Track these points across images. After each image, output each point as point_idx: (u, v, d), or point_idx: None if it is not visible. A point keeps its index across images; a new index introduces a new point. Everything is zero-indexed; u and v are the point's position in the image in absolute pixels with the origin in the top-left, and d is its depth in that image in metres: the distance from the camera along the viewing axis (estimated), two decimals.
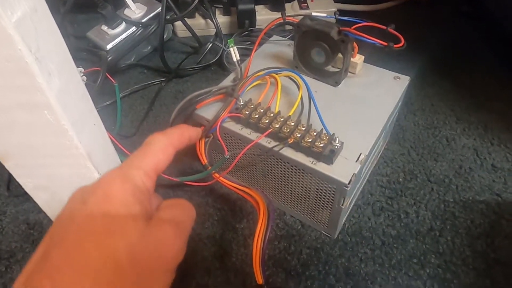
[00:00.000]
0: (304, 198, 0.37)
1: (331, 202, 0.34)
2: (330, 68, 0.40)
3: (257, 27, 0.64)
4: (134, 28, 0.58)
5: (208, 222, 0.40)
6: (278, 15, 0.65)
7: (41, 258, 0.19)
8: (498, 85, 0.55)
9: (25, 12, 0.22)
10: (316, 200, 0.35)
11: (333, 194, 0.33)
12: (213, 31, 0.64)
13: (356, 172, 0.31)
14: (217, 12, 0.66)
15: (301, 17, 0.39)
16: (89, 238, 0.19)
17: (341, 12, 0.67)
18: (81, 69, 0.53)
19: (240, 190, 0.36)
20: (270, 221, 0.32)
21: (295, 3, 0.67)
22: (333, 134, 0.32)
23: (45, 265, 0.18)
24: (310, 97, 0.35)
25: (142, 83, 0.57)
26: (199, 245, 0.38)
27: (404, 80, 0.40)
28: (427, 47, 0.62)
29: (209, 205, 0.42)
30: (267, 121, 0.34)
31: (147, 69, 0.60)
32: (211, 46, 0.61)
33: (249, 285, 0.35)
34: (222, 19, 0.65)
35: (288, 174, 0.35)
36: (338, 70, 0.39)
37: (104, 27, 0.58)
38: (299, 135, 0.32)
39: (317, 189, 0.34)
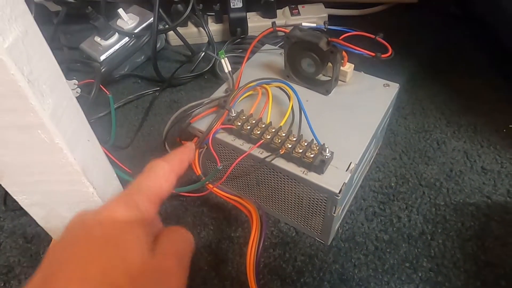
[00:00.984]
0: (297, 206, 0.37)
1: (323, 211, 0.35)
2: (321, 77, 0.41)
3: (249, 34, 0.65)
4: (127, 39, 0.58)
5: (203, 231, 0.41)
6: (270, 21, 0.66)
7: (42, 283, 0.18)
8: (487, 87, 0.56)
9: (16, 36, 0.23)
10: (308, 208, 0.36)
11: (325, 202, 0.34)
12: (206, 39, 0.64)
13: (346, 181, 0.32)
14: (210, 20, 0.67)
15: (292, 26, 0.39)
16: (91, 264, 0.19)
17: (332, 17, 0.68)
18: (75, 81, 0.53)
19: (233, 200, 0.36)
20: (263, 231, 0.33)
21: (287, 10, 0.67)
22: (323, 144, 0.33)
23: None
24: (301, 108, 0.36)
25: (136, 93, 0.57)
26: (195, 255, 0.38)
27: (394, 88, 0.41)
28: (417, 50, 0.63)
29: (205, 214, 0.42)
30: (258, 132, 0.35)
31: (141, 79, 0.61)
32: (204, 54, 0.62)
33: None
34: (214, 27, 0.66)
35: (280, 183, 0.36)
36: (329, 78, 0.40)
37: (97, 38, 0.58)
38: (290, 146, 0.33)
39: (309, 197, 0.35)
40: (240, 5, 0.62)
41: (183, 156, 0.29)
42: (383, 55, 0.34)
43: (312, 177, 0.32)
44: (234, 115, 0.37)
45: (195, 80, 0.60)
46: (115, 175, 0.38)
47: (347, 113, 0.38)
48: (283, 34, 0.40)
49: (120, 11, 0.59)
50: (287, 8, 0.67)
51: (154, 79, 0.59)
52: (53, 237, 0.39)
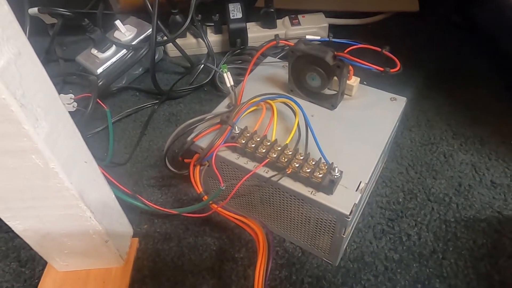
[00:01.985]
0: (304, 226, 0.36)
1: (332, 231, 0.33)
2: (326, 91, 0.40)
3: (249, 44, 0.64)
4: (124, 51, 0.57)
5: (206, 252, 0.39)
6: (270, 32, 0.66)
7: None
8: (491, 97, 0.55)
9: (9, 59, 0.21)
10: (316, 228, 0.35)
11: (334, 223, 0.32)
12: (205, 50, 0.63)
13: (356, 202, 0.30)
14: (209, 31, 0.66)
15: (296, 39, 0.38)
16: None
17: (333, 27, 0.67)
18: (71, 95, 0.52)
19: (238, 220, 0.35)
20: (270, 253, 0.32)
21: (287, 20, 0.66)
22: (332, 163, 0.31)
23: None
24: (307, 125, 0.35)
25: (135, 107, 0.56)
26: (198, 278, 0.37)
27: (401, 102, 0.40)
28: (420, 60, 0.62)
29: (207, 234, 0.41)
30: (264, 150, 0.33)
31: (139, 91, 0.59)
32: (203, 66, 0.61)
33: None
34: (213, 38, 0.65)
35: (287, 203, 0.35)
36: (334, 92, 0.39)
37: (94, 51, 0.57)
38: (297, 165, 0.32)
39: (317, 218, 0.33)
40: (240, 15, 0.61)
41: None
42: (392, 70, 0.33)
43: (321, 197, 0.31)
44: (238, 132, 0.35)
45: (194, 92, 0.59)
46: (113, 196, 0.36)
47: (354, 129, 0.37)
48: (283, 45, 0.39)
49: (117, 22, 0.57)
50: (287, 18, 0.67)
51: (152, 91, 0.58)
52: (48, 262, 0.37)
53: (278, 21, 0.66)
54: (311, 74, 0.38)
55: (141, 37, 0.58)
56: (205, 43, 0.61)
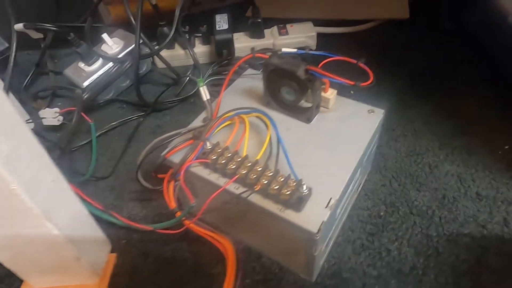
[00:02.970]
0: (278, 242, 0.35)
1: (304, 249, 0.33)
2: (303, 103, 0.39)
3: (236, 55, 0.64)
4: (110, 64, 0.57)
5: (182, 268, 0.39)
6: (258, 42, 0.66)
7: None
8: (481, 106, 0.54)
9: None
10: (290, 245, 0.34)
11: (304, 241, 0.32)
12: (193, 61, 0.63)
13: (325, 220, 0.30)
14: (197, 42, 0.66)
15: (271, 52, 0.38)
16: None
17: (322, 35, 0.67)
18: (57, 109, 0.53)
19: (209, 236, 0.35)
20: (240, 269, 0.31)
21: (275, 29, 0.66)
22: (301, 180, 0.31)
23: None
24: (278, 140, 0.34)
25: (120, 119, 0.56)
26: None
27: (378, 114, 0.39)
28: (409, 68, 0.61)
29: (184, 249, 0.40)
30: (234, 166, 0.33)
31: (126, 103, 0.60)
32: (190, 78, 0.61)
33: None
34: (201, 49, 0.65)
35: (259, 219, 0.34)
36: (311, 105, 0.38)
37: (81, 64, 0.57)
38: (265, 182, 0.31)
39: (289, 234, 0.33)
40: (225, 26, 0.61)
41: None
42: (362, 84, 0.33)
43: (289, 215, 0.30)
44: (210, 147, 0.35)
45: (181, 104, 0.59)
46: (86, 212, 0.36)
47: (329, 143, 0.36)
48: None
49: (105, 36, 0.58)
50: (275, 27, 0.66)
51: (139, 103, 0.58)
52: (23, 279, 0.37)
53: (266, 31, 0.66)
54: (285, 88, 0.37)
55: (127, 50, 0.58)
56: (190, 54, 0.61)
